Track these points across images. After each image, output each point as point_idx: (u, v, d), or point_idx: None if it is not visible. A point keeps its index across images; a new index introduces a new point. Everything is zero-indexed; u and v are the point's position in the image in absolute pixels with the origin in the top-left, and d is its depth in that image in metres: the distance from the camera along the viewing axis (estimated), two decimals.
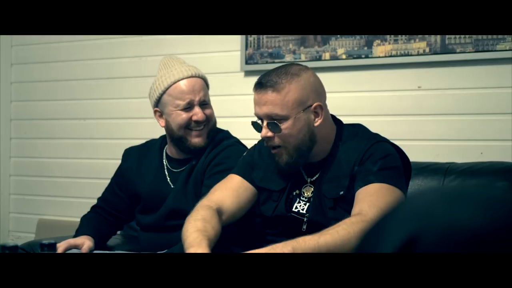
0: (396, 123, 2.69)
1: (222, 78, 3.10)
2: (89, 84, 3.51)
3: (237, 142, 2.36)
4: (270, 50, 2.98)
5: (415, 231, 0.66)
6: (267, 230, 2.07)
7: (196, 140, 2.28)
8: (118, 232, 2.59)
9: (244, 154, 2.18)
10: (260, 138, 2.03)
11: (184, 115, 2.27)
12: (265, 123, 1.95)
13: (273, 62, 2.96)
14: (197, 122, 2.26)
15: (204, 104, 2.29)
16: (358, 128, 2.05)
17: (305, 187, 2.02)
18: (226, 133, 2.39)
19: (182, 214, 2.02)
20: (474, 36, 2.55)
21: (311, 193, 2.00)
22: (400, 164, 1.95)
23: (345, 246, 1.70)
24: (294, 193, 2.03)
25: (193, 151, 2.31)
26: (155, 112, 2.35)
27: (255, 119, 2.00)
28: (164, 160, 2.38)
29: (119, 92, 3.41)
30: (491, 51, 2.53)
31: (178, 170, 2.34)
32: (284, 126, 1.92)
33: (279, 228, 2.03)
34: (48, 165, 3.64)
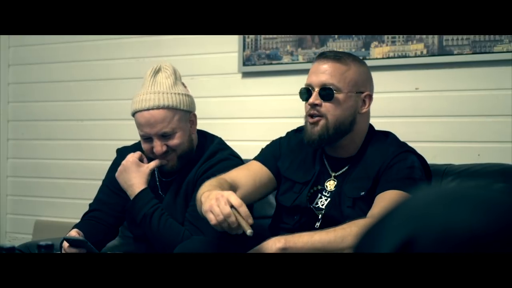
0: (393, 124, 2.68)
1: (220, 80, 3.10)
2: (86, 85, 3.51)
3: (231, 155, 2.28)
4: (267, 52, 2.97)
5: (412, 232, 0.66)
6: (281, 224, 2.07)
7: (166, 164, 2.24)
8: None
9: (270, 143, 2.18)
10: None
11: (146, 145, 2.22)
12: (316, 90, 1.98)
13: (271, 64, 2.96)
14: (157, 153, 2.20)
15: (166, 136, 2.18)
16: (389, 135, 2.09)
17: (328, 180, 2.04)
18: (220, 143, 2.31)
19: None
20: (472, 38, 2.55)
21: (334, 188, 2.02)
22: (424, 178, 1.97)
23: (339, 245, 1.71)
24: (317, 188, 2.04)
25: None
26: None
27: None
28: (155, 170, 2.30)
29: (117, 93, 3.40)
30: (489, 53, 2.53)
31: (169, 179, 2.29)
32: (335, 96, 1.96)
33: (294, 220, 2.03)
34: (46, 166, 3.63)
